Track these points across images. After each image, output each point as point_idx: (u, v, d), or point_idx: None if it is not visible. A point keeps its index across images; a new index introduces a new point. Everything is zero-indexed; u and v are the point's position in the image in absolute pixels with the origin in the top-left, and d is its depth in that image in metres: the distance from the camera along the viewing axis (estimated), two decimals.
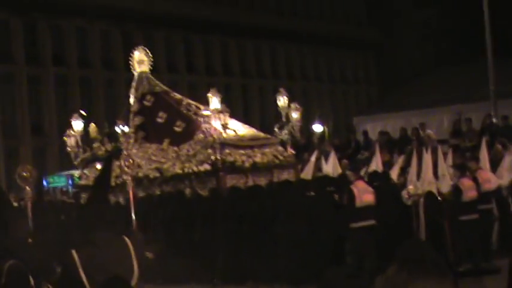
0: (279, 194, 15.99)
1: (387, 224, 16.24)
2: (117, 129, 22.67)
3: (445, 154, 19.30)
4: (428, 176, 17.68)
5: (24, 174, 13.05)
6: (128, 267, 6.22)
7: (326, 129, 43.82)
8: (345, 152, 27.11)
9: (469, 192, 16.54)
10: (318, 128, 41.75)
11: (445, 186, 17.72)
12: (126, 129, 21.56)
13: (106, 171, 6.95)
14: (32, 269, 6.39)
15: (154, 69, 25.15)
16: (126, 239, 6.46)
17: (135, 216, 9.23)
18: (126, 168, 12.97)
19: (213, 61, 58.31)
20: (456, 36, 53.41)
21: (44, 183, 38.65)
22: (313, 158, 22.09)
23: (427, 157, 18.11)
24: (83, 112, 20.86)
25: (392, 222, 16.63)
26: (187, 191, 17.44)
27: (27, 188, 13.41)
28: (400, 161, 21.31)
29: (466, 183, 16.71)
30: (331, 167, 20.99)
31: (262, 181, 17.97)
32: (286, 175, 18.75)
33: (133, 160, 13.61)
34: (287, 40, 61.01)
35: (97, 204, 6.64)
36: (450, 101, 34.05)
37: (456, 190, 16.68)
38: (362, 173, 18.24)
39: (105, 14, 50.56)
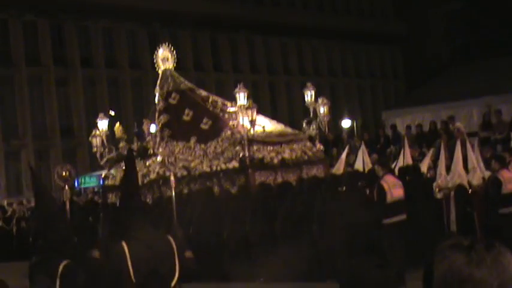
0: (310, 190, 15.77)
1: (418, 218, 16.03)
2: (144, 128, 22.63)
3: (473, 147, 19.02)
4: (459, 169, 17.41)
5: (64, 173, 13.01)
6: (170, 267, 6.17)
7: (355, 124, 43.64)
8: (374, 146, 26.92)
9: (509, 184, 16.09)
10: (346, 123, 41.58)
11: (476, 179, 17.45)
12: (153, 128, 21.49)
13: (130, 170, 6.81)
14: (82, 267, 6.39)
15: (181, 68, 25.04)
16: (170, 238, 6.36)
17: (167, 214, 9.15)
18: (169, 165, 12.90)
19: (240, 59, 58.21)
20: (484, 28, 52.93)
21: (76, 183, 38.77)
22: (344, 154, 21.90)
23: (457, 150, 17.84)
24: (111, 112, 20.72)
25: (423, 217, 16.45)
26: (216, 188, 17.26)
27: (66, 187, 13.38)
28: (429, 154, 21.04)
29: (506, 175, 16.20)
30: (361, 162, 20.79)
31: (291, 177, 17.70)
32: (315, 171, 18.49)
33: (175, 158, 13.53)
34: (313, 36, 60.79)
35: (134, 203, 6.49)
36: (479, 93, 33.60)
37: (496, 182, 16.15)
38: (392, 167, 18.04)
39: (132, 15, 50.62)
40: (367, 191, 16.27)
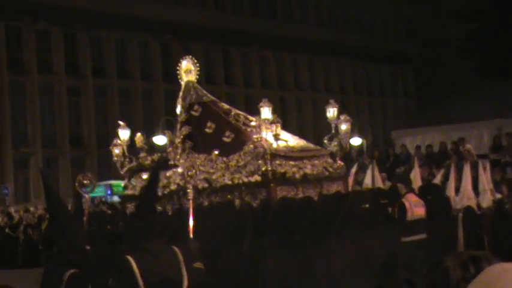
0: (333, 205, 15.73)
1: (437, 237, 15.97)
2: (154, 139, 22.52)
3: (485, 169, 18.97)
4: (468, 191, 17.37)
5: (85, 182, 12.93)
6: (178, 276, 6.13)
7: (364, 142, 43.52)
8: (383, 165, 26.85)
9: None
10: (356, 141, 41.46)
11: (486, 201, 17.42)
12: (162, 140, 21.39)
13: (153, 181, 6.80)
14: (91, 277, 6.33)
15: None
16: (175, 248, 6.33)
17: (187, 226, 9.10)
18: (188, 178, 12.82)
19: (251, 73, 58.33)
20: (496, 50, 52.90)
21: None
22: (352, 171, 21.81)
23: (467, 172, 17.79)
24: (121, 122, 20.69)
25: (442, 236, 16.38)
26: (237, 202, 17.21)
27: (86, 196, 13.27)
28: (439, 175, 20.99)
29: None
30: (369, 180, 20.74)
31: (312, 193, 17.64)
32: (336, 187, 18.44)
33: (195, 170, 13.44)
34: (325, 53, 60.89)
35: (147, 214, 6.47)
36: (490, 115, 33.47)
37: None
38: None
39: (144, 26, 50.75)
40: (389, 209, 16.23)
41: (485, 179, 18.02)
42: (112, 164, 48.77)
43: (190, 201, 9.59)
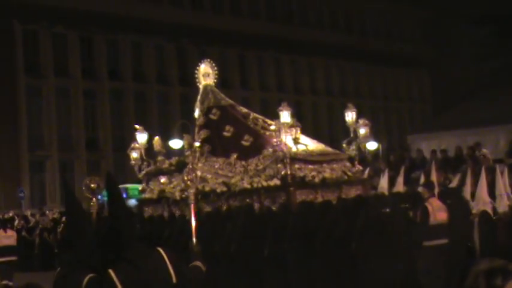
0: (353, 210, 15.60)
1: (458, 242, 15.82)
2: (170, 143, 22.38)
3: (502, 173, 18.77)
4: (484, 196, 17.20)
5: (92, 185, 12.83)
6: (165, 276, 6.01)
7: (380, 146, 43.30)
8: (398, 169, 26.67)
9: None
10: (372, 145, 41.25)
11: (502, 205, 17.23)
12: (178, 143, 21.24)
13: (113, 191, 6.66)
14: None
15: None
16: (160, 250, 6.16)
17: (199, 230, 9.01)
18: (188, 183, 12.69)
19: (267, 77, 58.25)
20: (511, 55, 52.65)
21: (99, 196, 38.58)
22: (365, 175, 21.64)
23: (483, 176, 17.61)
24: (137, 126, 20.58)
25: (463, 241, 16.23)
26: (256, 205, 17.08)
27: (94, 199, 13.16)
28: (455, 180, 20.80)
29: None
30: (385, 183, 20.56)
31: (331, 197, 17.50)
32: (354, 191, 18.27)
33: (196, 174, 13.29)
34: (341, 57, 60.77)
35: (124, 221, 6.30)
36: (507, 119, 33.28)
37: None
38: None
39: (160, 30, 50.77)
40: (411, 213, 16.09)
41: (502, 183, 17.81)
42: (128, 167, 48.85)
43: (192, 206, 9.45)
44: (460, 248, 15.92)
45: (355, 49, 60.13)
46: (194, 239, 8.07)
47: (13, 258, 21.35)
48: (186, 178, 17.64)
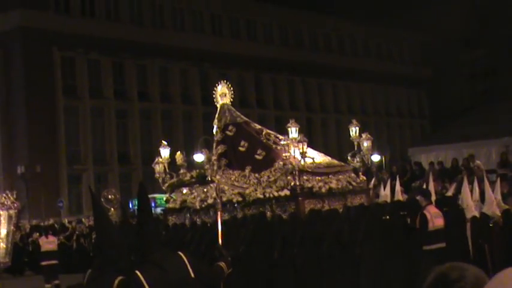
0: (356, 217, 15.48)
1: (455, 246, 15.64)
2: (194, 157, 22.32)
3: (493, 183, 18.60)
4: (469, 203, 17.05)
5: (110, 196, 12.76)
6: (185, 275, 6.04)
7: (383, 158, 43.08)
8: (400, 179, 26.51)
9: None
10: (376, 157, 41.03)
11: (491, 209, 17.06)
12: (200, 157, 21.20)
13: (143, 199, 6.65)
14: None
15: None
16: (181, 253, 6.21)
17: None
18: (214, 193, 12.63)
19: (281, 97, 58.22)
20: (503, 74, 52.41)
21: (130, 205, 38.61)
22: (371, 185, 21.46)
23: (475, 185, 17.44)
24: (164, 142, 20.60)
25: (460, 245, 16.05)
26: (268, 214, 17.04)
27: (112, 209, 13.10)
28: (451, 189, 20.62)
29: None
30: (388, 192, 20.39)
31: (337, 206, 17.41)
32: (359, 200, 18.16)
33: (220, 188, 13.22)
34: (348, 78, 60.64)
35: (150, 227, 6.35)
36: (498, 134, 33.01)
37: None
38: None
39: (185, 55, 50.93)
40: (408, 220, 15.91)
41: (493, 190, 17.65)
42: (155, 179, 48.77)
43: (219, 214, 9.42)
44: (456, 251, 15.75)
45: (360, 70, 59.97)
46: (220, 243, 8.03)
47: (55, 261, 21.40)
48: (205, 190, 17.54)
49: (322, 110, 60.49)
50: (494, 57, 54.24)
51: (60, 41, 45.35)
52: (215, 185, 14.90)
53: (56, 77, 46.10)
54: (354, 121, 19.62)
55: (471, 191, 17.57)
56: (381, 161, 41.36)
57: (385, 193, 20.27)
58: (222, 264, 6.76)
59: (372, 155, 20.98)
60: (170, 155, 20.10)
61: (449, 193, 19.68)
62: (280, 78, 57.85)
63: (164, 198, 21.13)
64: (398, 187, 20.24)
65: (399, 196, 19.61)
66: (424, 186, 19.30)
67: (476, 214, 16.56)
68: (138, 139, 49.67)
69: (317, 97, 60.59)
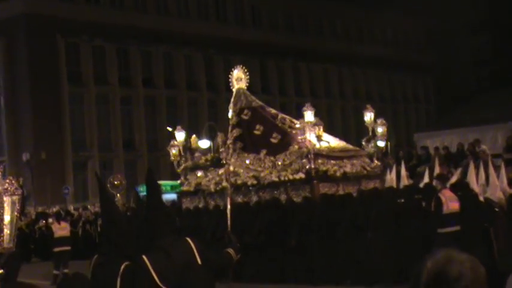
0: (371, 201, 15.36)
1: (470, 230, 15.46)
2: (200, 143, 22.17)
3: (499, 167, 18.44)
4: (474, 188, 16.93)
5: (116, 182, 12.53)
6: (191, 261, 6.00)
7: (389, 144, 42.86)
8: (406, 165, 26.34)
9: None
10: (381, 143, 40.82)
11: (496, 194, 16.89)
12: (206, 143, 21.08)
13: (152, 185, 6.52)
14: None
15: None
16: (189, 239, 6.14)
17: (234, 220, 8.84)
18: (225, 177, 12.44)
19: (286, 83, 58.02)
20: (509, 58, 52.11)
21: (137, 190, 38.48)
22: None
23: (481, 170, 17.37)
24: (169, 128, 20.45)
25: (473, 228, 15.86)
26: (282, 197, 16.99)
27: (118, 195, 12.87)
28: (457, 173, 20.44)
29: None
30: (394, 178, 20.23)
31: (351, 190, 17.36)
32: (373, 184, 18.12)
33: (230, 172, 13.06)
34: (353, 64, 60.50)
35: (158, 213, 6.30)
36: (504, 118, 32.86)
37: None
38: (421, 184, 17.67)
39: (189, 41, 50.64)
40: (423, 204, 15.75)
41: (499, 175, 17.49)
42: (161, 165, 48.61)
43: (228, 199, 9.25)
44: (470, 233, 15.59)
45: (366, 56, 59.72)
46: (229, 229, 7.94)
47: (67, 248, 21.27)
48: (220, 172, 17.42)
49: (327, 96, 60.26)
50: (500, 42, 53.94)
51: (64, 27, 45.15)
52: (226, 168, 14.84)
53: (60, 64, 45.95)
54: (369, 106, 19.48)
55: (477, 175, 17.48)
56: (386, 146, 41.10)
57: (390, 178, 20.20)
58: (231, 250, 6.71)
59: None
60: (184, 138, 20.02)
61: (455, 178, 19.53)
62: (285, 64, 57.66)
63: (171, 185, 21.09)
64: (403, 172, 20.18)
65: (405, 181, 19.53)
66: (429, 171, 19.21)
67: (481, 199, 16.42)
68: (143, 126, 49.59)
69: (322, 83, 60.42)
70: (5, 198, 6.11)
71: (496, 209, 16.36)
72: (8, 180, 6.01)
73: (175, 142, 19.73)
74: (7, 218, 6.24)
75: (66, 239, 21.37)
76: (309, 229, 15.15)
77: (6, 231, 6.33)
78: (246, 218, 16.35)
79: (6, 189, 5.88)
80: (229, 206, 9.32)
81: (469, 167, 18.42)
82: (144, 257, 5.93)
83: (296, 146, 17.27)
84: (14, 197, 6.09)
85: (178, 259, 5.95)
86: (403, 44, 66.23)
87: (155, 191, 6.56)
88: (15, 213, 6.29)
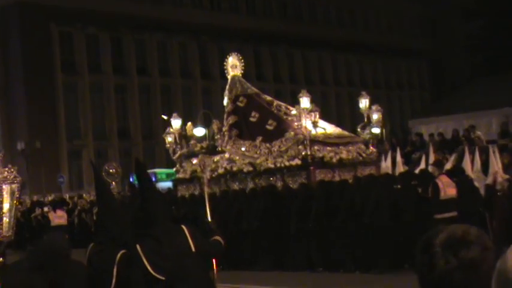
0: (367, 187, 15.33)
1: (467, 215, 15.44)
2: (194, 131, 22.10)
3: (494, 153, 18.42)
4: (469, 174, 16.93)
5: (111, 170, 12.46)
6: (185, 248, 5.99)
7: (383, 131, 42.83)
8: (401, 151, 26.30)
9: None
10: (376, 129, 40.78)
11: (496, 181, 16.87)
12: (201, 131, 20.98)
13: (142, 174, 6.49)
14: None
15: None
16: (183, 226, 6.15)
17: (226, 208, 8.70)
18: (199, 168, 12.39)
19: (280, 70, 57.97)
20: (504, 45, 52.04)
21: (131, 180, 38.39)
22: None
23: (476, 156, 17.51)
24: (164, 116, 20.39)
25: (470, 214, 15.85)
26: (278, 184, 16.97)
27: (113, 183, 12.80)
28: (452, 159, 20.42)
29: None
30: (389, 164, 20.20)
31: (347, 176, 17.34)
32: (368, 171, 18.07)
33: (204, 161, 13.03)
34: (347, 50, 60.49)
35: (152, 202, 6.28)
36: (498, 104, 32.89)
37: None
38: (417, 170, 17.60)
39: (183, 29, 50.59)
40: (420, 190, 15.71)
41: (495, 161, 17.47)
42: (156, 153, 48.53)
43: (205, 188, 9.19)
44: (468, 219, 15.56)
45: (360, 43, 59.70)
46: (209, 217, 7.92)
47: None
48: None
49: (322, 83, 60.22)
50: (494, 28, 53.84)
51: (57, 16, 45.03)
52: (199, 158, 14.82)
53: (54, 53, 45.88)
54: (364, 93, 19.43)
55: (472, 161, 17.43)
56: (381, 133, 41.05)
57: (386, 165, 20.18)
58: (218, 238, 6.66)
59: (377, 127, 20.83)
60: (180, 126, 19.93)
61: (450, 164, 19.50)
62: (279, 52, 57.58)
63: (167, 172, 21.03)
64: (399, 158, 20.15)
65: (400, 168, 19.50)
66: (425, 158, 19.18)
67: (477, 184, 16.42)
68: (138, 114, 49.55)
69: (316, 70, 60.41)
70: (4, 187, 6.06)
71: (499, 193, 16.39)
72: (7, 169, 5.97)
73: (171, 129, 19.66)
74: (6, 206, 6.20)
75: (63, 228, 21.33)
76: (307, 215, 15.12)
77: (6, 219, 6.30)
78: (242, 204, 16.34)
79: (6, 177, 5.83)
80: (206, 196, 9.28)
81: (464, 153, 18.43)
82: (137, 246, 5.91)
83: (292, 133, 17.27)
84: (13, 185, 6.04)
85: (172, 247, 5.93)
86: (397, 30, 66.18)
87: (147, 181, 6.55)
88: (14, 202, 6.26)
